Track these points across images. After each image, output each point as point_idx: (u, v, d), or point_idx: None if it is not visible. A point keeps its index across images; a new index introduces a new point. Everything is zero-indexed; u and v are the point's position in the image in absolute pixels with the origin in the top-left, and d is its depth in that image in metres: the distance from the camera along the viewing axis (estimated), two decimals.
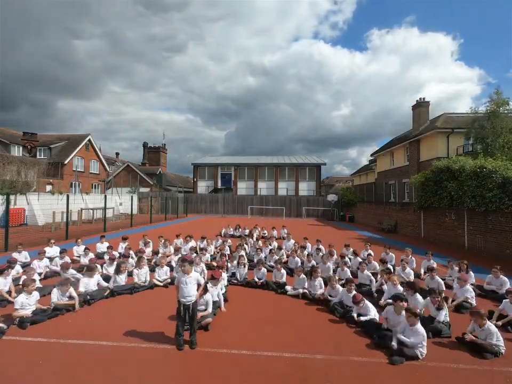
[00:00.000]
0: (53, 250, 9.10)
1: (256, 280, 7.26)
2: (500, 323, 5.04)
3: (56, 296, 5.44)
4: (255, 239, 12.19)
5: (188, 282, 4.40)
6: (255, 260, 8.77)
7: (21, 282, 6.02)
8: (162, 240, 10.70)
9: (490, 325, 4.38)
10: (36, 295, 5.23)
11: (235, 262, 7.97)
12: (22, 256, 8.44)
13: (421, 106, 23.05)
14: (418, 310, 5.11)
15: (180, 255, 8.99)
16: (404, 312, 4.47)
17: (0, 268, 6.19)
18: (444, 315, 4.97)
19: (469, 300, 5.92)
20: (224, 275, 6.93)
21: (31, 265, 7.57)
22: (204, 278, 5.73)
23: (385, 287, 6.41)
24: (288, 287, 6.84)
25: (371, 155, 32.36)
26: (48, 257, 8.41)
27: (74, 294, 5.64)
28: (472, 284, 6.79)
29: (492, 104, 16.33)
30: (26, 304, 5.01)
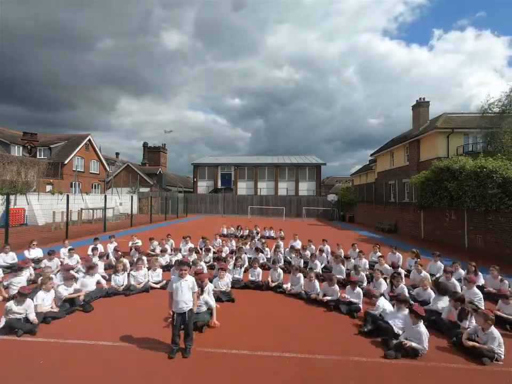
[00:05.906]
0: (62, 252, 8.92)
1: (251, 279, 7.30)
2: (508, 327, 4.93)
3: (63, 290, 5.68)
4: (256, 240, 12.12)
5: (183, 286, 4.12)
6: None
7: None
8: (155, 242, 10.79)
9: (494, 330, 4.18)
10: (52, 293, 5.44)
11: (231, 264, 7.86)
12: (9, 257, 8.24)
13: (421, 106, 23.04)
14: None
15: (179, 256, 8.95)
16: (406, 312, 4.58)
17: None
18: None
19: (475, 302, 5.56)
20: (227, 276, 6.79)
21: (43, 264, 7.62)
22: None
23: (397, 290, 6.07)
24: (285, 286, 6.84)
25: (371, 155, 32.34)
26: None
27: (78, 286, 6.01)
28: (480, 286, 6.58)
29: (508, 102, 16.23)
30: (46, 300, 5.25)
